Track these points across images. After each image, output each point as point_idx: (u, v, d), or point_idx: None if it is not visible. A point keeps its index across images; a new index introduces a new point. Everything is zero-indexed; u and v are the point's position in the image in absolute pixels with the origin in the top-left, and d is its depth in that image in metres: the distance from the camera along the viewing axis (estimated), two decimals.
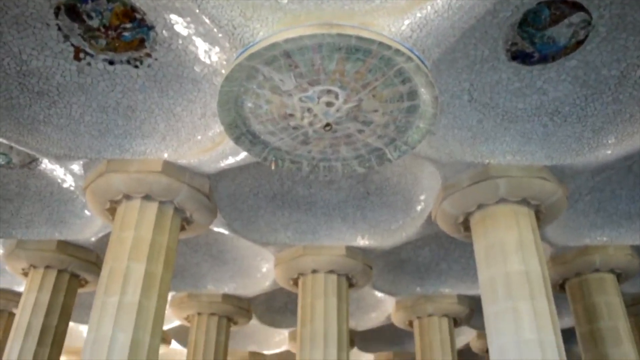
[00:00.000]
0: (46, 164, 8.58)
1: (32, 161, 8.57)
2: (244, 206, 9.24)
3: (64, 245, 10.34)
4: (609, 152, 7.75)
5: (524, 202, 8.08)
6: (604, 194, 9.13)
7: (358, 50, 5.37)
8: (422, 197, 8.98)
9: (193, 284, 12.12)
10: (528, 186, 7.93)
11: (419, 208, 9.19)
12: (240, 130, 6.43)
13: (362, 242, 10.00)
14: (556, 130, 7.61)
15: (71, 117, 7.39)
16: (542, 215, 8.37)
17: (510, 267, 7.69)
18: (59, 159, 8.02)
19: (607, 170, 8.46)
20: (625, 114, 7.24)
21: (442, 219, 8.68)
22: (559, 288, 10.81)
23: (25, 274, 10.64)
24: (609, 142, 7.62)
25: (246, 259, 11.16)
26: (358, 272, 10.30)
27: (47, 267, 10.37)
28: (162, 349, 14.68)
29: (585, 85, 7.08)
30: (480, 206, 8.19)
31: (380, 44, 5.30)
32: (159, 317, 7.61)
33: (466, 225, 8.60)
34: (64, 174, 8.66)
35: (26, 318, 9.99)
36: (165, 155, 7.82)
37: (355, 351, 15.90)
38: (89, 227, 9.79)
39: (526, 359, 7.07)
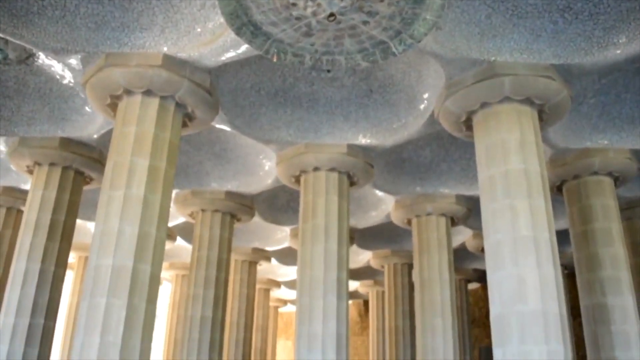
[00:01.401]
0: (43, 60, 8.41)
1: (29, 56, 8.40)
2: (245, 103, 9.17)
3: (67, 143, 10.39)
4: (619, 51, 7.58)
5: (528, 101, 8.03)
6: (609, 97, 9.03)
7: None
8: (425, 96, 8.89)
9: (197, 181, 12.32)
10: (533, 85, 7.83)
11: (421, 107, 9.12)
12: (242, 21, 6.24)
13: (363, 140, 10.03)
14: (566, 27, 7.38)
15: (66, 8, 7.14)
16: (545, 116, 8.35)
17: (510, 165, 7.78)
18: (57, 53, 7.86)
19: (614, 72, 8.31)
20: (639, 12, 7.00)
21: (445, 117, 8.65)
22: (557, 190, 10.98)
23: (30, 172, 10.78)
24: (620, 41, 7.42)
25: (249, 156, 11.26)
26: (359, 170, 10.42)
27: (51, 164, 10.47)
28: (168, 245, 15.20)
29: None
30: (483, 105, 8.14)
31: None
32: (164, 211, 7.80)
33: (468, 125, 8.59)
34: (62, 70, 8.52)
35: (34, 214, 10.24)
36: (165, 48, 7.65)
37: (354, 248, 16.43)
38: (91, 123, 9.78)
39: (521, 254, 7.36)
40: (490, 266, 7.65)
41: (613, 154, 10.25)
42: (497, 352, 7.28)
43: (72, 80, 8.73)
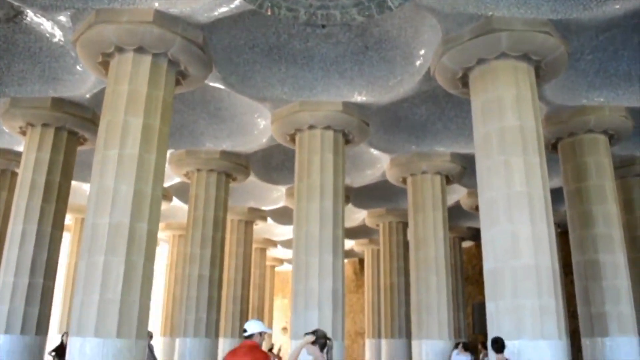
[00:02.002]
0: (32, 18, 8.22)
1: (17, 14, 8.21)
2: (239, 60, 9.03)
3: (59, 103, 10.27)
4: (617, 6, 7.46)
5: (525, 57, 7.95)
6: (606, 54, 8.93)
7: None
8: (421, 52, 8.77)
9: (191, 141, 12.25)
10: (531, 40, 7.74)
11: (417, 63, 9.02)
12: None
13: (359, 98, 9.95)
14: None
15: None
16: (541, 72, 8.28)
17: (506, 122, 7.77)
18: (45, 9, 7.68)
19: (612, 28, 8.19)
20: None
21: (441, 74, 8.57)
22: (552, 148, 11.00)
23: (23, 133, 10.69)
24: None
25: (243, 115, 11.17)
26: (354, 128, 10.37)
27: (44, 125, 10.38)
28: (164, 206, 15.23)
29: None
30: (480, 61, 8.06)
31: None
32: (160, 170, 7.78)
33: (464, 81, 8.53)
34: (51, 28, 8.34)
35: (29, 176, 10.22)
36: (156, 4, 7.48)
37: (350, 207, 16.52)
38: (82, 83, 9.64)
39: (515, 211, 7.42)
40: (485, 222, 7.73)
41: (608, 111, 10.23)
42: (489, 306, 7.43)
43: (62, 39, 8.57)
